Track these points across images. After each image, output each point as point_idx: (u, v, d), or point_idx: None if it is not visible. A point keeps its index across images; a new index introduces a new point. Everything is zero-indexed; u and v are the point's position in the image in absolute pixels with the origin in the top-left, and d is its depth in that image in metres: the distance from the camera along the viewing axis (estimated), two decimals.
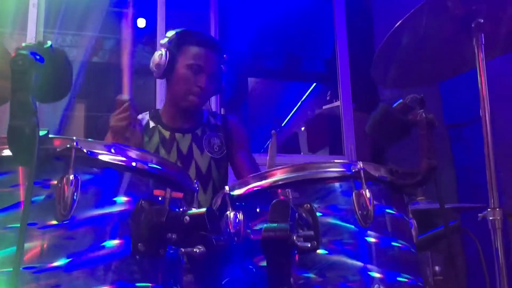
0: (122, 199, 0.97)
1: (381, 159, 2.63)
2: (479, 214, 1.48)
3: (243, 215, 1.13)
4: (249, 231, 1.14)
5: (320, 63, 5.04)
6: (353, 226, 1.11)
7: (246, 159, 2.29)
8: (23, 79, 0.86)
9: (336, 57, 3.84)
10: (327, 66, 4.57)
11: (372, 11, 4.00)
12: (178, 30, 2.21)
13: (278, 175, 1.15)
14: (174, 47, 2.12)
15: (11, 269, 0.84)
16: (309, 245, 0.99)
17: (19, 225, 0.87)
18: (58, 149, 0.92)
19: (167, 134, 2.19)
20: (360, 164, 1.13)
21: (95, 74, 4.10)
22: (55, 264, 0.90)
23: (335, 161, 1.16)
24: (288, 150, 6.89)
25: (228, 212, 1.14)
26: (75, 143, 0.93)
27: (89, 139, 0.97)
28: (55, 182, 0.92)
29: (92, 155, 0.95)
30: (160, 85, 3.45)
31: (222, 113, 3.44)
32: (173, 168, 1.09)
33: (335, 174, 1.14)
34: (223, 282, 1.20)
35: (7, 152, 0.93)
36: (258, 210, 1.16)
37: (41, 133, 0.91)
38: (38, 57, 0.89)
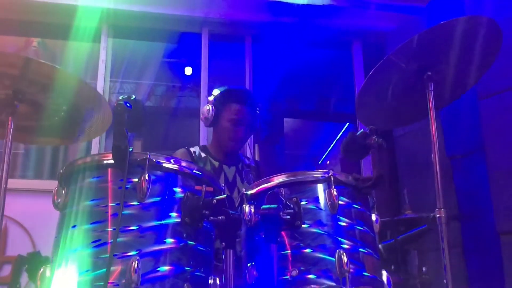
0: (177, 190, 1.58)
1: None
2: (431, 214, 1.99)
3: (254, 208, 1.71)
4: (258, 217, 1.71)
5: (350, 104, 5.52)
6: (326, 212, 1.67)
7: None
8: (120, 118, 1.50)
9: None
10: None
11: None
12: (221, 89, 2.90)
13: (278, 179, 1.73)
14: (219, 103, 2.81)
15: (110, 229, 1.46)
16: (289, 217, 1.55)
17: (112, 204, 1.49)
18: (138, 159, 1.54)
19: (216, 164, 2.87)
20: (331, 172, 1.70)
21: (148, 116, 4.76)
22: (132, 228, 1.49)
23: (317, 170, 1.73)
24: None
25: (244, 205, 1.72)
26: (148, 155, 1.55)
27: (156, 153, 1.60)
28: (136, 179, 1.53)
29: (158, 163, 1.57)
30: (203, 127, 4.06)
31: (256, 148, 4.12)
32: (207, 173, 1.69)
33: (315, 178, 1.72)
34: (241, 253, 1.78)
35: (106, 161, 1.56)
36: None
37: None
38: (128, 104, 1.53)
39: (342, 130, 6.71)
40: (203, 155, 2.90)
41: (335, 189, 1.67)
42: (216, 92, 2.88)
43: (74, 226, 1.52)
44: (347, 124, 6.42)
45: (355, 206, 1.74)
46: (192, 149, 2.91)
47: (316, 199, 1.68)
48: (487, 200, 3.32)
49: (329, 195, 1.67)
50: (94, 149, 3.79)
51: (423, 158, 3.98)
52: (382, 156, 1.74)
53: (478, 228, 3.53)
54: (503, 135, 3.37)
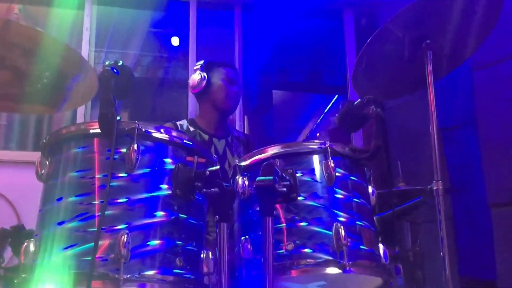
0: (167, 160, 1.50)
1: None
2: (428, 186, 1.94)
3: (248, 180, 1.65)
4: (252, 190, 1.65)
5: (339, 77, 5.45)
6: (324, 184, 1.61)
7: None
8: (107, 84, 1.41)
9: (347, 72, 4.30)
10: (346, 80, 4.93)
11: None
12: (204, 60, 2.88)
13: (273, 150, 1.66)
14: (207, 69, 2.79)
15: (97, 202, 1.39)
16: (285, 190, 1.49)
17: (99, 175, 1.42)
18: (126, 128, 1.46)
19: (206, 137, 2.83)
20: (328, 143, 1.64)
21: (136, 83, 4.63)
22: (120, 200, 1.42)
23: (313, 141, 1.67)
24: None
25: (237, 177, 1.65)
26: (137, 124, 1.47)
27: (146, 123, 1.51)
28: (125, 150, 1.45)
29: (148, 133, 1.49)
30: (191, 99, 3.97)
31: (245, 120, 4.06)
32: (199, 143, 1.62)
33: (312, 149, 1.65)
34: (234, 227, 1.73)
35: (92, 131, 1.48)
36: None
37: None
38: (115, 70, 1.44)
39: (331, 103, 6.66)
40: (191, 128, 2.84)
41: (332, 161, 1.61)
42: (200, 62, 2.88)
43: (59, 199, 1.44)
44: (336, 96, 6.38)
45: (351, 178, 1.69)
46: (179, 123, 2.86)
47: (312, 171, 1.62)
48: (478, 172, 3.31)
49: (325, 167, 1.61)
50: (80, 119, 3.69)
51: (414, 130, 3.95)
52: (379, 127, 1.68)
53: (469, 201, 3.52)
54: (495, 108, 3.33)
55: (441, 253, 1.77)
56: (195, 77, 2.81)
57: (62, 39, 3.93)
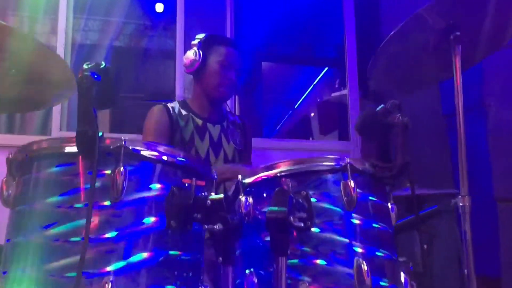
0: (157, 186, 1.25)
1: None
2: (452, 200, 1.73)
3: (253, 199, 1.41)
4: (257, 212, 1.42)
5: (331, 49, 5.20)
6: (340, 210, 1.37)
7: (247, 162, 2.69)
8: (86, 94, 1.14)
9: (345, 48, 4.03)
10: (338, 52, 4.72)
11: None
12: (205, 34, 2.58)
13: (282, 167, 1.42)
14: (205, 46, 2.49)
15: (79, 239, 1.14)
16: (302, 225, 1.26)
17: (80, 205, 1.17)
18: (111, 147, 1.20)
19: (199, 122, 2.56)
20: (347, 160, 1.40)
21: (116, 58, 4.31)
22: (107, 235, 1.18)
23: (328, 156, 1.43)
24: (300, 133, 7.12)
25: (240, 197, 1.41)
26: (123, 142, 1.21)
27: (133, 139, 1.25)
28: (109, 172, 1.20)
29: (136, 151, 1.23)
30: (180, 73, 3.67)
31: (236, 99, 3.78)
32: (196, 161, 1.37)
33: (327, 167, 1.41)
34: (236, 254, 1.49)
35: (70, 149, 1.22)
36: (264, 195, 1.43)
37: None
38: (96, 76, 1.17)
39: (320, 75, 6.43)
40: (184, 112, 2.57)
41: (352, 181, 1.37)
42: (200, 36, 2.57)
43: (30, 231, 1.19)
44: (326, 68, 6.15)
45: (371, 198, 1.46)
46: (170, 105, 2.58)
47: (328, 195, 1.38)
48: (485, 163, 3.14)
49: (345, 188, 1.37)
50: (55, 116, 3.36)
51: (418, 121, 3.76)
52: (406, 139, 1.44)
53: (474, 193, 3.35)
54: (505, 92, 3.14)
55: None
56: (189, 55, 2.52)
57: (38, 5, 3.62)
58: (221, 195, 1.22)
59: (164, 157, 1.27)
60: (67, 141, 1.22)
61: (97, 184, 1.18)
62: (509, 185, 2.99)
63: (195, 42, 2.55)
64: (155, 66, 4.55)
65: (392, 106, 1.49)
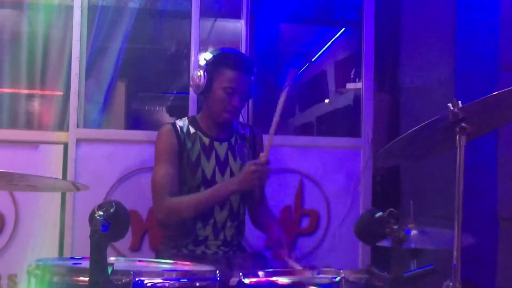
0: None
1: None
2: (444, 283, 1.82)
3: None
4: None
5: (349, 9, 5.08)
6: None
7: None
8: (99, 247, 1.23)
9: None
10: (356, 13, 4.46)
11: None
12: (214, 52, 2.60)
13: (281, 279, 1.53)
14: (211, 68, 2.54)
15: None
16: None
17: None
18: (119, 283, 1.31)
19: (207, 141, 2.68)
20: (342, 274, 1.50)
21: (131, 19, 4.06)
22: None
23: (326, 269, 1.53)
24: (316, 86, 7.10)
25: None
26: (132, 277, 1.32)
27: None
28: None
29: (142, 284, 1.35)
30: (196, 34, 3.60)
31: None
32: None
33: (325, 281, 1.52)
34: None
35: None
36: None
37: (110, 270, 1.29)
38: (107, 225, 1.25)
39: (337, 35, 6.35)
40: (192, 130, 2.68)
41: None
42: (208, 56, 2.64)
43: None
44: (343, 29, 6.06)
45: None
46: (179, 124, 2.68)
47: None
48: (492, 180, 3.20)
49: None
50: (72, 114, 3.42)
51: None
52: (401, 253, 1.52)
53: (477, 208, 3.43)
54: None
55: None
56: (195, 76, 2.60)
57: None
58: None
59: (168, 284, 1.38)
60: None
61: None
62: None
63: (202, 63, 2.61)
64: (171, 25, 4.40)
65: (389, 216, 1.56)
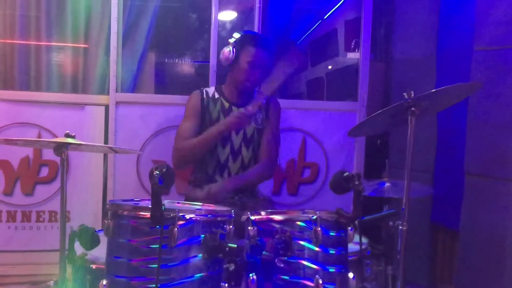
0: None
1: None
2: (394, 223, 2.47)
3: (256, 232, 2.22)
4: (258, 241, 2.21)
5: None
6: (310, 244, 2.18)
7: (270, 139, 3.40)
8: (157, 191, 1.91)
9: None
10: None
11: None
12: (241, 33, 3.22)
13: (276, 216, 2.21)
14: (238, 45, 3.20)
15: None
16: (282, 265, 2.08)
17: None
18: (169, 217, 1.99)
19: (227, 105, 3.41)
20: (318, 214, 2.17)
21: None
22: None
23: (306, 210, 2.21)
24: (326, 45, 7.53)
25: (249, 228, 2.21)
26: (177, 213, 2.00)
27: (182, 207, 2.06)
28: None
29: (183, 217, 2.03)
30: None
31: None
32: (220, 215, 2.16)
33: (305, 218, 2.19)
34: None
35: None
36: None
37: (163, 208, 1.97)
38: (162, 181, 1.93)
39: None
40: (216, 96, 3.36)
41: (319, 228, 2.16)
42: (236, 35, 3.27)
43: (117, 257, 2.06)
44: None
45: (331, 234, 2.22)
46: (206, 90, 3.36)
47: (303, 235, 2.18)
48: (462, 140, 3.70)
49: (315, 232, 2.16)
50: (112, 80, 4.08)
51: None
52: (359, 200, 2.19)
53: (449, 164, 4.02)
54: (487, 89, 3.55)
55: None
56: (225, 51, 3.26)
57: None
58: (235, 245, 2.03)
59: (199, 218, 2.07)
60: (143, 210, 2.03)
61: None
62: (477, 162, 3.60)
63: (232, 40, 3.24)
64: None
65: (353, 175, 2.21)
